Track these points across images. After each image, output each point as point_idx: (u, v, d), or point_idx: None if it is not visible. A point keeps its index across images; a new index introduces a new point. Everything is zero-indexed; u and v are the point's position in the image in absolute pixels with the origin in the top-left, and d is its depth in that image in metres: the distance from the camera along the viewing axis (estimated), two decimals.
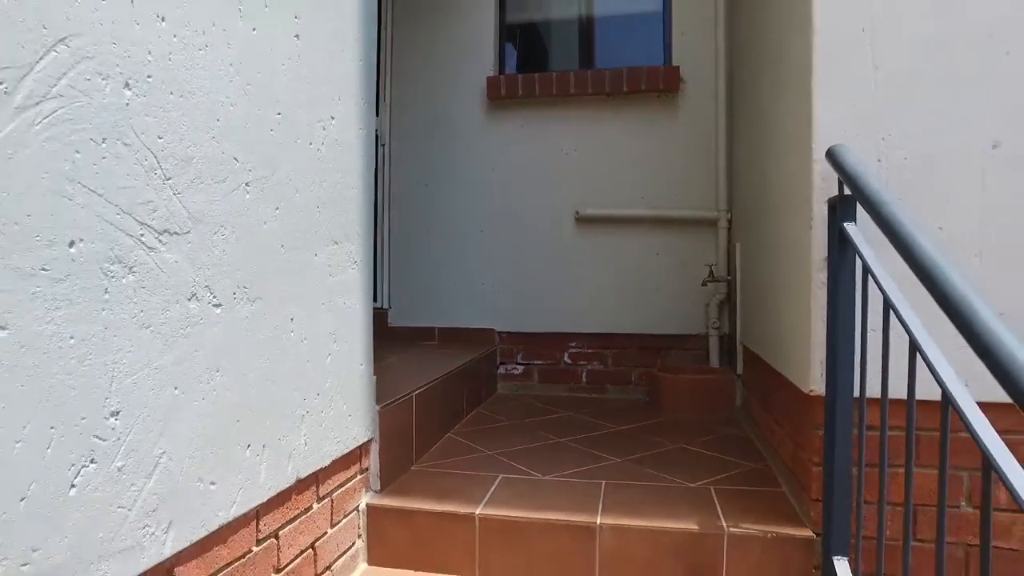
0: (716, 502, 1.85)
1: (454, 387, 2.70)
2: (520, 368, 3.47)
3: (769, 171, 2.28)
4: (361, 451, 1.85)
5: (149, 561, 1.05)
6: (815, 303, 1.64)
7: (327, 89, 1.62)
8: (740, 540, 1.65)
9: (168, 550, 1.09)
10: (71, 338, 0.90)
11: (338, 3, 1.67)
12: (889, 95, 1.60)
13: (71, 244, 0.90)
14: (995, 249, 1.54)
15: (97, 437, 0.95)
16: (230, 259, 1.25)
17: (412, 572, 1.83)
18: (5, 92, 0.80)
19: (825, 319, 1.56)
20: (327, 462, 1.64)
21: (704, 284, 3.15)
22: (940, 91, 1.57)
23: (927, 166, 1.58)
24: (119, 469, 0.99)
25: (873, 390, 1.33)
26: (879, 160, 1.59)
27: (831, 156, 1.50)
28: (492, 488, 1.96)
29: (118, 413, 0.98)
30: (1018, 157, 1.53)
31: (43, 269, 0.86)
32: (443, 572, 1.81)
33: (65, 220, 0.89)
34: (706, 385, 3.02)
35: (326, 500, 1.66)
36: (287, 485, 1.45)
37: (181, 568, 1.13)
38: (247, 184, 1.30)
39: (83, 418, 0.92)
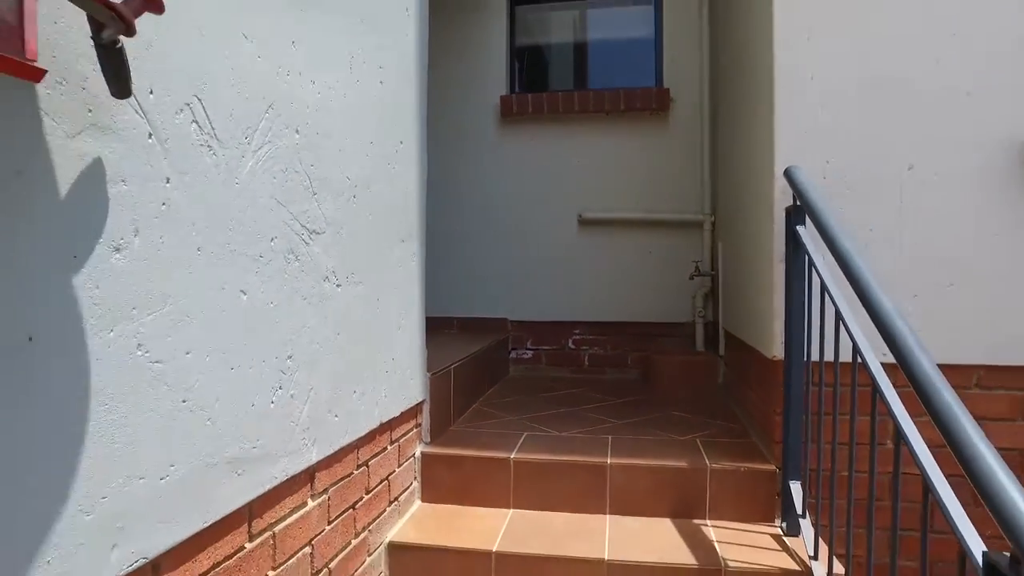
0: (701, 449, 2.32)
1: (478, 365, 3.16)
2: (530, 353, 3.93)
3: (743, 183, 2.76)
4: (417, 409, 2.30)
5: (303, 464, 1.49)
6: (776, 287, 2.11)
7: (398, 118, 2.07)
8: (720, 473, 2.12)
9: (314, 458, 1.54)
10: (271, 303, 1.35)
11: (404, 52, 2.12)
12: (831, 128, 2.08)
13: (272, 240, 1.35)
14: (910, 246, 2.02)
15: (281, 372, 1.39)
16: (345, 252, 1.70)
17: (458, 507, 2.28)
18: (247, 141, 1.25)
19: (784, 299, 2.03)
20: (397, 413, 2.08)
21: (691, 278, 3.63)
22: (869, 126, 2.05)
23: (860, 183, 2.06)
24: (291, 396, 1.44)
25: (827, 352, 1.80)
26: (824, 178, 2.07)
27: (787, 175, 1.97)
28: (520, 441, 2.42)
29: (291, 356, 1.43)
30: (927, 177, 2.02)
31: (260, 256, 1.31)
32: (484, 506, 2.26)
33: (268, 223, 1.34)
34: (692, 365, 3.49)
35: (395, 444, 2.11)
36: (374, 426, 1.90)
37: (318, 473, 1.58)
38: (354, 196, 1.75)
39: (276, 357, 1.37)
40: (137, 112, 0.98)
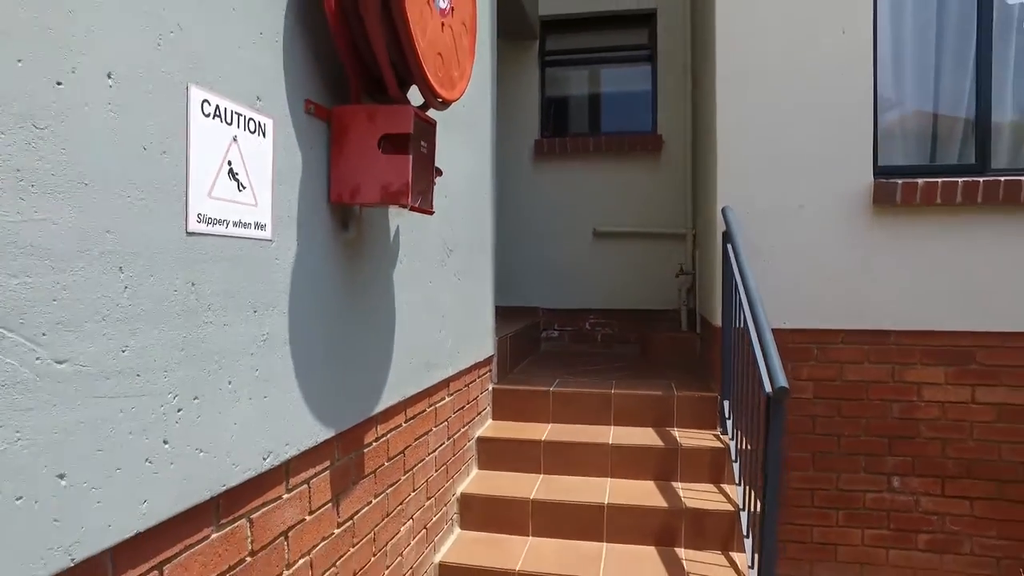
0: (673, 388, 3.57)
1: (522, 338, 4.44)
2: (556, 333, 5.21)
3: (704, 210, 4.02)
4: (489, 359, 3.58)
5: (446, 375, 2.77)
6: (717, 282, 3.37)
7: (482, 179, 3.35)
8: (683, 399, 3.38)
9: (450, 372, 2.82)
10: (437, 287, 2.64)
11: (484, 139, 3.39)
12: (754, 181, 3.33)
13: (449, 251, 2.64)
14: (798, 255, 3.28)
15: (442, 320, 2.68)
16: (461, 260, 2.98)
17: (516, 423, 3.55)
18: (447, 196, 2.54)
19: (721, 290, 3.29)
20: (481, 359, 3.37)
21: (677, 276, 4.89)
22: (776, 181, 3.31)
23: (770, 215, 3.32)
24: (445, 336, 2.72)
25: (740, 322, 3.06)
26: (747, 213, 3.32)
27: (722, 212, 3.23)
28: (554, 382, 3.69)
29: (445, 316, 2.72)
30: (810, 213, 3.27)
31: (440, 263, 2.60)
32: (533, 421, 3.53)
33: (437, 248, 2.62)
34: (677, 340, 4.75)
35: (479, 379, 3.39)
36: (471, 364, 3.18)
37: (451, 383, 2.87)
38: (464, 228, 3.03)
39: (442, 316, 2.66)
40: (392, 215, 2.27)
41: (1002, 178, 3.16)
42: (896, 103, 3.46)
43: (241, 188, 1.37)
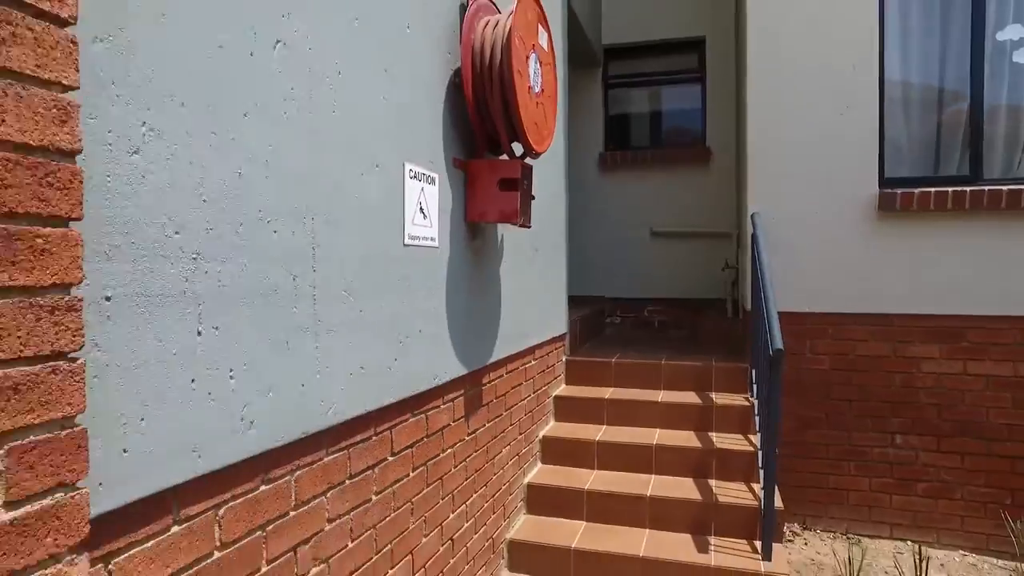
0: (712, 361, 4.38)
1: (589, 321, 5.33)
2: (619, 319, 6.07)
3: (742, 214, 4.79)
4: (563, 336, 4.49)
5: (532, 343, 3.70)
6: (749, 274, 4.16)
7: (560, 197, 4.25)
8: (720, 369, 4.19)
9: (534, 341, 3.74)
10: (529, 278, 3.56)
11: (559, 162, 4.29)
12: (780, 191, 4.10)
13: (535, 250, 3.57)
14: (816, 251, 4.03)
15: (531, 300, 3.60)
16: (544, 257, 3.89)
17: (584, 386, 4.44)
18: (533, 210, 3.47)
19: (751, 280, 4.08)
20: (558, 334, 4.28)
21: (723, 269, 5.65)
22: (797, 191, 4.07)
23: (793, 220, 4.08)
24: (533, 314, 3.64)
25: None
26: (773, 218, 4.09)
27: (752, 216, 4.02)
28: (615, 356, 4.56)
29: (532, 299, 3.64)
30: (826, 217, 4.02)
31: (529, 260, 3.52)
32: (598, 385, 4.41)
33: (527, 247, 3.55)
34: (722, 326, 5.52)
35: (555, 351, 4.30)
36: (548, 338, 4.10)
37: (536, 350, 3.79)
38: (543, 230, 3.94)
39: (530, 299, 3.58)
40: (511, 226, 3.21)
41: (986, 187, 3.82)
42: (904, 121, 4.14)
43: (425, 217, 2.33)
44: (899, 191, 3.91)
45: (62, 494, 0.95)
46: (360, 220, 1.96)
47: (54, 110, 0.93)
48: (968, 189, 3.83)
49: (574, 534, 3.41)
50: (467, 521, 2.85)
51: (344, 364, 1.87)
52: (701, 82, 5.99)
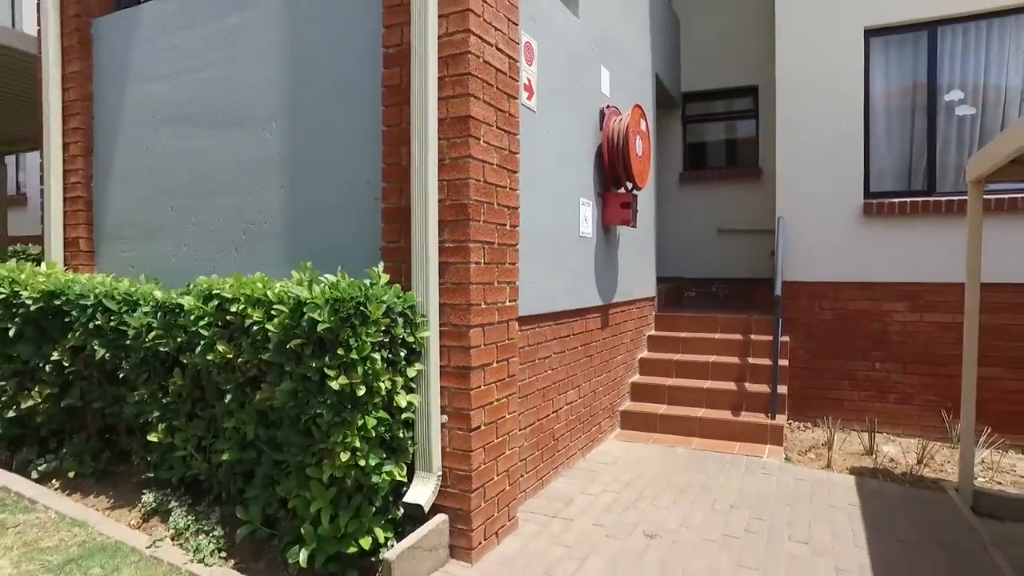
0: (752, 316, 6.57)
1: (670, 292, 7.62)
2: (693, 293, 8.30)
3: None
4: (652, 298, 6.80)
5: (632, 297, 6.05)
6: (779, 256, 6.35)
7: (650, 193, 6.56)
8: (757, 320, 6.39)
9: (635, 296, 6.09)
10: (630, 254, 5.92)
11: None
12: (798, 200, 6.26)
13: (637, 241, 5.94)
14: (815, 241, 6.18)
15: (634, 269, 5.96)
16: (641, 245, 6.23)
17: (667, 332, 6.73)
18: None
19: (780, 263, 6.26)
20: (650, 295, 6.61)
21: (770, 255, 7.76)
22: (809, 200, 6.22)
23: (810, 218, 6.23)
24: (635, 277, 6.00)
25: (792, 276, 6.03)
26: (793, 219, 6.25)
27: (779, 219, 6.20)
28: (688, 311, 6.83)
29: (635, 269, 6.00)
30: (830, 216, 6.15)
31: (632, 245, 5.89)
32: (677, 331, 6.70)
33: (633, 237, 5.89)
34: (767, 297, 7.63)
35: (647, 307, 6.62)
36: (644, 296, 6.43)
37: (634, 305, 6.14)
38: (644, 223, 6.27)
39: (634, 269, 5.94)
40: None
41: (938, 198, 5.82)
42: (883, 154, 6.19)
43: (585, 222, 4.76)
44: (876, 201, 5.99)
45: (515, 303, 3.46)
46: (567, 224, 4.40)
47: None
48: (925, 199, 5.86)
49: (659, 408, 5.75)
50: (600, 386, 5.26)
51: (560, 285, 4.33)
52: (755, 118, 8.12)
